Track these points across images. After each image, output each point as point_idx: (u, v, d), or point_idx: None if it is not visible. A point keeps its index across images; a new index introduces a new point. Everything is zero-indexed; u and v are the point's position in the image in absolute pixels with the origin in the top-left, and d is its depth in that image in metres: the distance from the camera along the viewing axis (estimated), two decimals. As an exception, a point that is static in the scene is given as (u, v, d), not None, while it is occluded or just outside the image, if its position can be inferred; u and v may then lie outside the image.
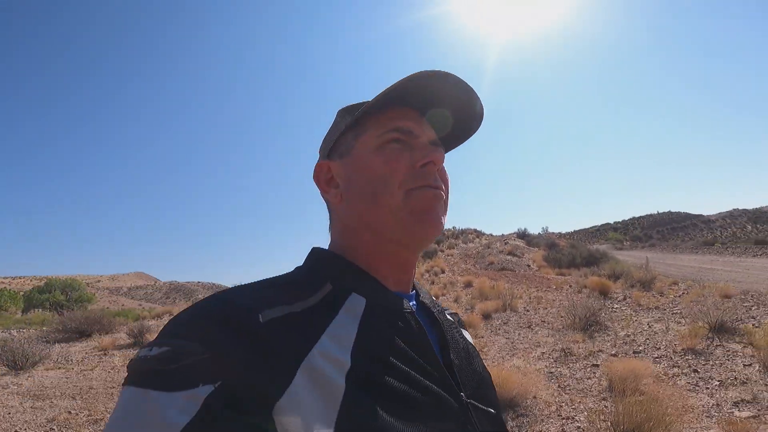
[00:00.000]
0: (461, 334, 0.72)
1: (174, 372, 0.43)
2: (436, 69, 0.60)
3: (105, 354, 7.94)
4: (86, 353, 8.08)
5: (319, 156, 0.72)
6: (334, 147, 0.68)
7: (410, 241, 0.62)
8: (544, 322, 7.30)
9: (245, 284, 0.57)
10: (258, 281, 0.58)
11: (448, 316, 0.74)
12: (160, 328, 0.49)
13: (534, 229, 27.94)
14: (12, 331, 11.24)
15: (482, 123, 0.71)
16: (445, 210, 0.65)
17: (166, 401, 0.42)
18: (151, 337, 8.23)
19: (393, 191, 0.60)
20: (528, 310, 8.14)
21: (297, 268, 0.65)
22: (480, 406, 0.60)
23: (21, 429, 4.36)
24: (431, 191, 0.61)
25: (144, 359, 0.46)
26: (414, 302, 0.66)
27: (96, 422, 4.57)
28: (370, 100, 0.64)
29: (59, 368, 6.98)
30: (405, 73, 0.63)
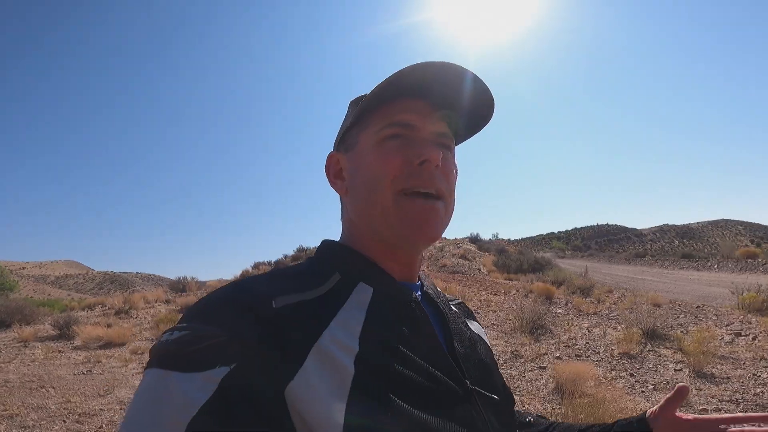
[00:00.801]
0: (466, 324, 0.74)
1: (193, 354, 0.46)
2: (437, 60, 0.60)
3: (25, 346, 7.24)
4: (4, 345, 7.32)
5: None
6: (342, 140, 0.69)
7: (402, 245, 0.63)
8: (493, 324, 7.48)
9: (260, 274, 0.59)
10: (272, 271, 0.60)
11: (454, 307, 0.76)
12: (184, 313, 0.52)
13: (485, 235, 28.81)
14: None
15: (493, 112, 0.68)
16: (448, 211, 0.65)
17: (186, 381, 0.44)
18: (79, 329, 7.63)
19: (384, 190, 0.60)
20: (478, 313, 8.31)
21: (308, 259, 0.67)
22: (484, 392, 0.62)
23: None
24: (423, 203, 0.60)
25: (166, 343, 0.48)
26: (419, 292, 0.68)
27: (11, 417, 4.11)
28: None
29: (-31, 361, 6.26)
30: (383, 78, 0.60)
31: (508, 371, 5.16)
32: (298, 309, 0.52)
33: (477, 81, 0.63)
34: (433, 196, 0.62)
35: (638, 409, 3.88)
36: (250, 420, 0.44)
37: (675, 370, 4.90)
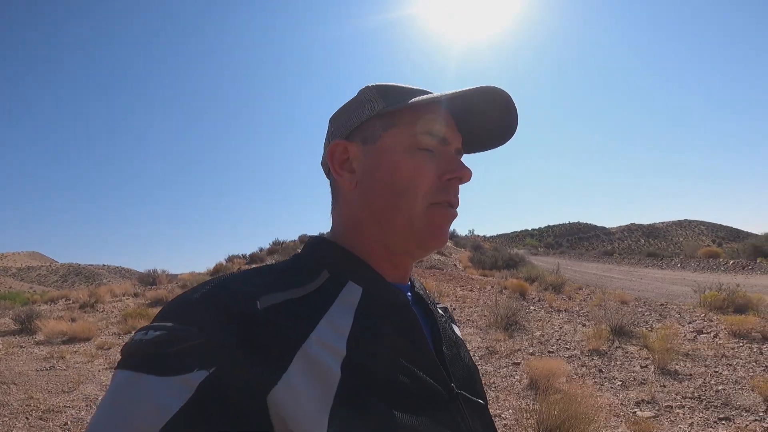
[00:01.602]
0: (452, 327, 0.74)
1: (168, 356, 0.43)
2: (488, 85, 0.61)
3: (-18, 342, 6.88)
4: (-42, 340, 6.94)
5: (331, 130, 0.68)
6: (359, 129, 0.64)
7: (416, 250, 0.63)
8: (469, 320, 7.58)
9: (244, 271, 0.55)
10: (257, 268, 0.57)
11: (439, 310, 0.75)
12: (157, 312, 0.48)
13: (462, 231, 29.20)
14: None
15: (510, 140, 0.72)
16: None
17: (159, 385, 0.42)
18: (41, 323, 7.32)
19: (417, 199, 0.60)
20: (454, 308, 8.40)
21: (295, 256, 0.64)
22: (470, 396, 0.62)
23: None
24: (451, 212, 0.62)
25: (139, 342, 0.45)
26: (409, 293, 0.67)
27: (-34, 419, 3.90)
28: (408, 86, 0.64)
29: None
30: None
31: (484, 367, 5.24)
32: (284, 309, 0.49)
33: (513, 112, 0.66)
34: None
35: (608, 406, 4.01)
36: (229, 426, 0.41)
37: (641, 366, 5.08)
